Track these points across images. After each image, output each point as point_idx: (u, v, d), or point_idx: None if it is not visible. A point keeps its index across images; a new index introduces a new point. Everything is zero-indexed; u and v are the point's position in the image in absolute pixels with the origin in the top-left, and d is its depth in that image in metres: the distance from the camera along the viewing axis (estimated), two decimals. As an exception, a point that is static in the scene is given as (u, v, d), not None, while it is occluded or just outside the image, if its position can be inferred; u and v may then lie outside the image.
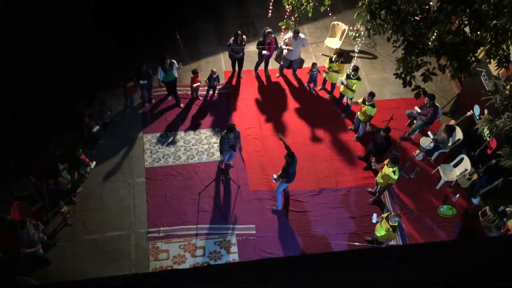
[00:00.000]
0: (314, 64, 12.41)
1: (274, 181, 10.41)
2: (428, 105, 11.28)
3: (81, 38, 10.88)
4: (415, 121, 11.85)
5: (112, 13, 12.11)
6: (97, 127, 11.12)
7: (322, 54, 13.71)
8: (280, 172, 10.27)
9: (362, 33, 9.40)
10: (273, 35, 12.06)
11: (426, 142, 11.16)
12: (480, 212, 10.85)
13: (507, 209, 10.04)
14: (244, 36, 12.12)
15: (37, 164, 10.31)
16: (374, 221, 9.69)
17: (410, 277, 3.39)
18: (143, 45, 12.16)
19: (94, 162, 11.16)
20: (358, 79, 11.53)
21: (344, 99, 12.26)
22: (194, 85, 12.01)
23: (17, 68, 9.60)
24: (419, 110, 11.48)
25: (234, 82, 13.07)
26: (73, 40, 10.64)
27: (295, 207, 10.99)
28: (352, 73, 11.43)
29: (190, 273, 3.76)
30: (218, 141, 11.75)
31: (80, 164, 10.86)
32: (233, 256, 10.32)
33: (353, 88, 11.62)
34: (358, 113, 11.64)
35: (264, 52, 12.21)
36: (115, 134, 11.81)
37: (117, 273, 9.87)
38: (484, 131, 10.42)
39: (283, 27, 12.08)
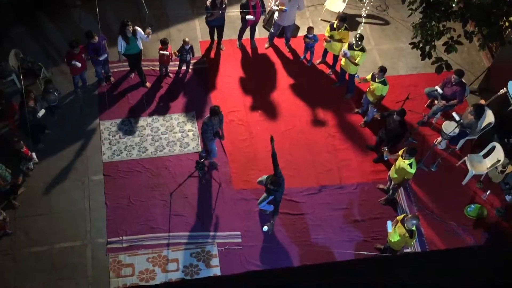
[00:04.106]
0: (310, 29, 12.41)
1: (264, 231, 10.30)
2: (454, 82, 11.36)
3: None
4: (436, 102, 11.94)
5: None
6: (43, 111, 11.01)
7: (321, 20, 13.73)
8: (265, 195, 10.28)
9: (371, -8, 9.43)
10: (259, -4, 12.09)
11: (450, 127, 11.26)
12: (515, 212, 11.04)
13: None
14: (224, -3, 12.12)
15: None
16: (389, 230, 9.72)
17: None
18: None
19: (34, 154, 10.93)
20: (363, 50, 11.55)
21: (347, 75, 12.29)
22: (161, 52, 11.88)
23: None
24: (440, 91, 11.53)
25: (212, 55, 13.04)
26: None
27: (289, 209, 11.06)
28: (356, 42, 11.43)
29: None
30: (194, 129, 11.80)
31: (21, 159, 10.77)
32: (214, 270, 10.35)
33: (356, 61, 11.64)
34: (367, 92, 11.70)
35: (248, 16, 12.19)
36: (65, 121, 11.75)
37: (69, 293, 9.89)
38: (521, 113, 10.56)
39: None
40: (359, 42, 11.44)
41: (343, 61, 11.99)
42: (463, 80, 11.50)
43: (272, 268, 10.19)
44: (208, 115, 10.44)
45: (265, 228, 10.07)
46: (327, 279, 3.46)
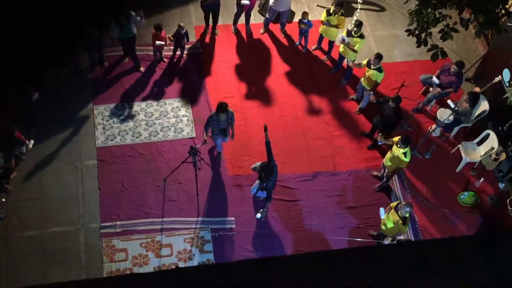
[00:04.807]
0: (304, 14, 12.32)
1: (257, 218, 10.36)
2: (453, 73, 11.33)
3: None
4: (431, 89, 11.93)
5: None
6: (37, 94, 10.99)
7: (317, 5, 13.65)
8: (259, 183, 10.25)
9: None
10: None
11: (445, 114, 11.26)
12: (508, 200, 11.06)
13: (541, 196, 10.26)
14: (220, -18, 12.03)
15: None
16: (382, 216, 9.79)
17: (425, 282, 3.42)
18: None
19: (32, 141, 11.02)
20: (361, 37, 11.52)
21: (344, 62, 12.27)
22: (157, 42, 11.88)
23: None
24: (437, 81, 11.51)
25: (207, 40, 12.98)
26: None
27: (283, 195, 11.07)
28: (355, 29, 11.40)
29: (154, 277, 3.77)
30: (188, 114, 11.77)
31: (14, 143, 10.73)
32: (208, 256, 10.39)
33: (355, 48, 11.62)
34: (362, 78, 11.67)
35: (243, 1, 12.12)
36: (58, 105, 11.66)
37: (63, 278, 9.83)
38: (515, 101, 10.55)
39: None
40: (356, 29, 11.39)
41: (341, 47, 11.95)
42: (462, 71, 11.49)
43: (266, 256, 10.22)
44: (215, 110, 10.20)
45: (259, 215, 10.08)
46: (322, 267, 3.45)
